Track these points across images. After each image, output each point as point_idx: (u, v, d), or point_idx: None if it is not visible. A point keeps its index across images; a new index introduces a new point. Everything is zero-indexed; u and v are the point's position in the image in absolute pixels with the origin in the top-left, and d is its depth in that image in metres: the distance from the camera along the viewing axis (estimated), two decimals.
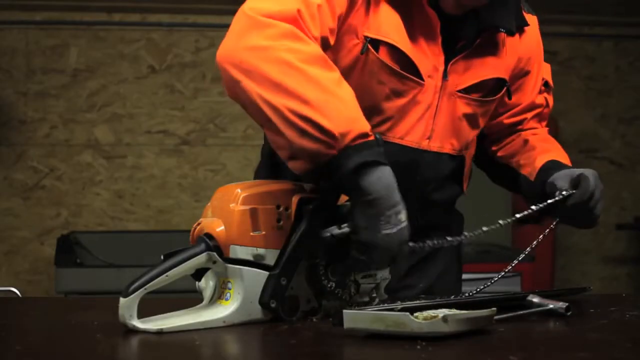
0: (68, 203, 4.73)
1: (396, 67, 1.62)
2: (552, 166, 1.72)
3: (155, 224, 4.80)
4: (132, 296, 1.24)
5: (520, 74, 1.83)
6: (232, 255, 1.32)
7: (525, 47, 1.81)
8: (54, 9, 4.69)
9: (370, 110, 1.62)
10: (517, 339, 1.24)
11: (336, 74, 1.42)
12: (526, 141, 1.84)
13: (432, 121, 1.68)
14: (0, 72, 4.67)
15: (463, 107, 1.70)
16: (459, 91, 1.69)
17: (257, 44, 1.40)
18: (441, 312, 1.20)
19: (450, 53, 1.67)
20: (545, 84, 1.89)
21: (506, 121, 1.87)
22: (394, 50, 1.61)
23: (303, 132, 1.35)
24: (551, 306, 1.39)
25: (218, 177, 4.83)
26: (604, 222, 5.10)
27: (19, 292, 3.17)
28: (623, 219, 5.20)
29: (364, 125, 1.39)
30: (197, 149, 4.84)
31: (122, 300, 1.24)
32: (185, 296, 1.42)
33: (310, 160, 1.37)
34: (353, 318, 1.21)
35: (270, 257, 1.34)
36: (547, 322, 1.35)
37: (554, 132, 2.29)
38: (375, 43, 1.60)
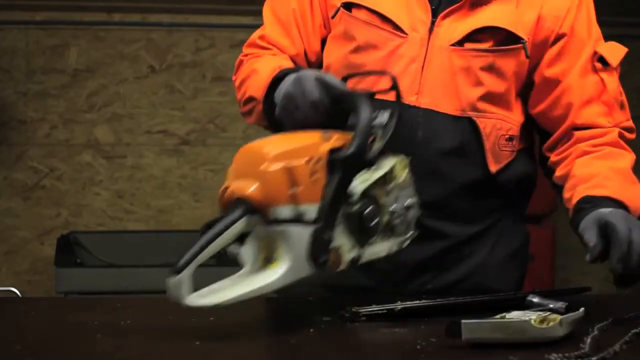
0: (68, 203, 4.73)
1: (375, 21, 1.61)
2: (582, 207, 1.53)
3: (155, 224, 4.79)
4: (184, 272, 1.18)
5: (551, 38, 1.64)
6: (272, 216, 1.26)
7: (552, 4, 1.63)
8: (54, 9, 4.69)
9: (346, 67, 1.61)
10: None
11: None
12: (575, 163, 1.63)
13: (419, 75, 1.60)
14: (0, 72, 4.67)
15: (458, 61, 1.60)
16: (453, 45, 1.60)
17: None
18: (553, 316, 1.22)
19: (442, 5, 1.61)
20: (601, 59, 1.69)
21: (552, 114, 1.66)
22: (369, 10, 1.61)
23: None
24: (551, 306, 1.38)
25: (218, 177, 4.82)
26: None
27: (19, 292, 3.18)
28: None
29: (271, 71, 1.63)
30: (197, 149, 4.84)
31: (172, 278, 1.18)
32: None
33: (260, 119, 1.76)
34: (471, 329, 1.19)
35: (310, 212, 1.28)
36: None
37: None
38: (348, 7, 1.62)
